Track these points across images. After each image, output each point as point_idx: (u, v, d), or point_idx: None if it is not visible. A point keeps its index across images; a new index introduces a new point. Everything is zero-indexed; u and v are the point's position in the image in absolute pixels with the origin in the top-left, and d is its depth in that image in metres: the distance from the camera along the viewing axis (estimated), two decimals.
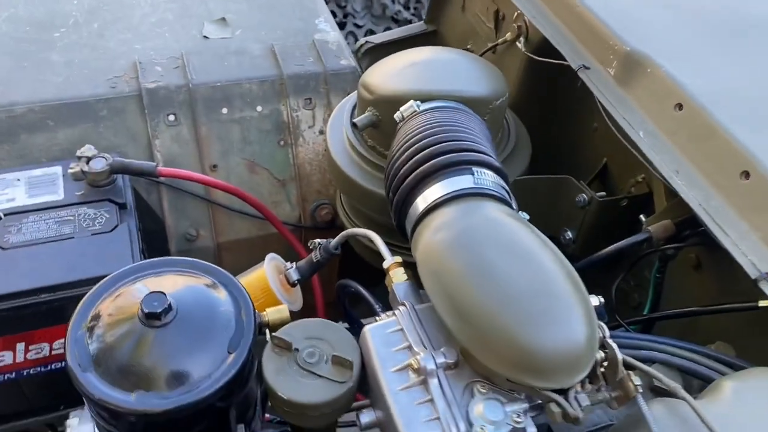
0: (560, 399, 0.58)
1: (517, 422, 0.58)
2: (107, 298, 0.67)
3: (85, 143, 1.08)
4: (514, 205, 0.74)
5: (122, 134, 1.17)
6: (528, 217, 0.76)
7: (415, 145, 0.77)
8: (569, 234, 1.06)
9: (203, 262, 0.70)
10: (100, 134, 1.15)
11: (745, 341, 0.81)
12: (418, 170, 0.74)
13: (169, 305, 0.62)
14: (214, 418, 0.65)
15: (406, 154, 0.77)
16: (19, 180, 1.05)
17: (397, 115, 0.88)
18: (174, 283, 0.66)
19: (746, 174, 0.76)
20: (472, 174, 0.71)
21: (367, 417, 0.64)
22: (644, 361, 0.69)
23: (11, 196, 1.02)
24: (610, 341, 0.63)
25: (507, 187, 0.75)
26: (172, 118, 1.19)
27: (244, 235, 1.26)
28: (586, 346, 0.59)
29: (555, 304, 0.60)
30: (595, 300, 0.67)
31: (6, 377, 0.94)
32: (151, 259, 0.71)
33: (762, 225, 0.74)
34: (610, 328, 0.65)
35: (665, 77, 0.87)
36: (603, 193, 1.01)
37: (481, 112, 0.94)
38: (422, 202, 0.72)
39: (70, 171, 1.03)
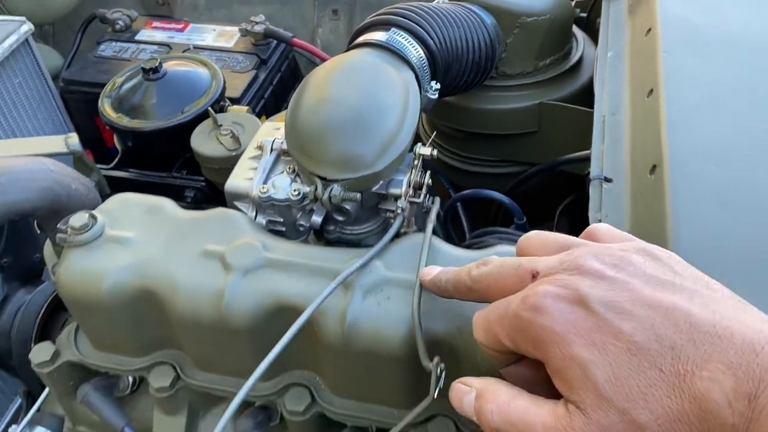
0: (318, 181, 0.72)
1: (294, 195, 0.75)
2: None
3: (272, 18, 1.45)
4: (420, 72, 0.85)
5: (297, 18, 1.52)
6: (438, 86, 0.88)
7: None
8: None
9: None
10: (283, 15, 1.52)
11: None
12: (364, 23, 0.91)
13: (155, 68, 0.93)
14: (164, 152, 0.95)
15: None
16: (214, 30, 1.48)
17: None
18: (175, 62, 0.98)
19: (650, 92, 0.75)
20: (388, 32, 0.85)
21: None
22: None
23: (204, 38, 1.46)
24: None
25: (426, 58, 0.87)
26: (334, 13, 1.49)
27: None
28: (357, 164, 0.72)
29: (358, 127, 0.73)
30: (427, 150, 0.78)
31: None
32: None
33: (637, 140, 0.73)
34: None
35: (655, 4, 0.85)
36: None
37: (508, 23, 1.03)
38: None
39: (239, 28, 1.42)
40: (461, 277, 0.50)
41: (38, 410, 0.94)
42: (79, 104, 1.36)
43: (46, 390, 0.92)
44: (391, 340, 0.63)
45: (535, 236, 0.49)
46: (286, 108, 1.14)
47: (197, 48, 1.41)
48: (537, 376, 0.43)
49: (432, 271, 0.56)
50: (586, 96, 1.14)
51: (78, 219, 0.71)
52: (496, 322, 0.43)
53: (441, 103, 1.12)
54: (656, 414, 0.36)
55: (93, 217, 0.72)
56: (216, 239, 0.71)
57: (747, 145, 0.65)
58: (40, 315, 1.01)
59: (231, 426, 0.75)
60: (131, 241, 0.71)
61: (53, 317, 1.03)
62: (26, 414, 0.94)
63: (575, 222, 1.05)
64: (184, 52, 1.40)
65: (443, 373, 0.58)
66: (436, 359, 0.59)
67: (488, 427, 0.42)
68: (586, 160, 0.91)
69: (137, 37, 1.47)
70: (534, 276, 0.43)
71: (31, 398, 1.08)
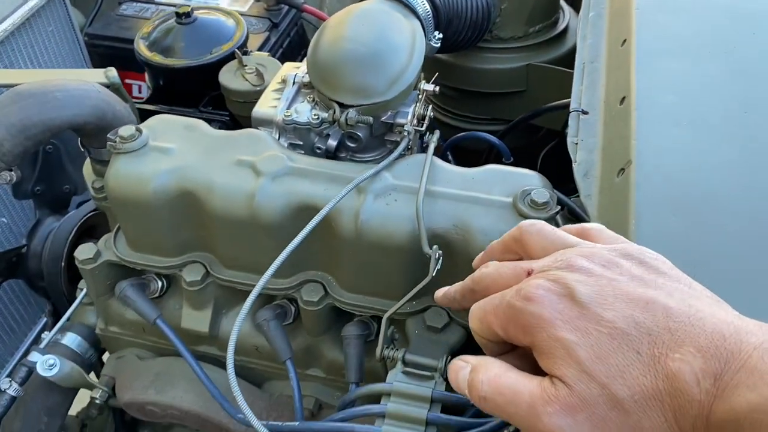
0: (336, 106, 0.84)
1: (314, 119, 0.86)
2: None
3: None
4: (425, 22, 0.97)
5: None
6: (441, 36, 0.99)
7: None
8: None
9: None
10: None
11: None
12: None
13: (188, 13, 1.04)
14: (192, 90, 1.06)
15: None
16: None
17: None
18: (204, 11, 1.09)
19: (624, 41, 0.87)
20: None
21: None
22: None
23: (219, 2, 1.56)
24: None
25: (431, 11, 0.98)
26: None
27: None
28: (370, 92, 0.84)
29: (372, 60, 0.85)
30: (430, 86, 0.90)
31: None
32: None
33: (611, 80, 0.85)
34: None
35: None
36: None
37: None
38: None
39: None
40: (465, 283, 0.54)
41: (68, 320, 1.04)
42: (101, 58, 1.46)
43: (75, 303, 1.02)
44: (398, 234, 0.74)
45: (539, 226, 0.51)
46: None
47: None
48: (524, 367, 0.46)
49: (443, 290, 0.60)
50: (570, 60, 1.25)
51: (126, 130, 0.82)
52: (491, 312, 0.46)
53: (438, 62, 1.24)
54: (633, 390, 0.39)
55: (139, 129, 0.83)
56: (247, 152, 0.82)
57: (702, 81, 0.77)
58: (69, 239, 1.11)
59: (250, 319, 0.86)
60: (172, 151, 0.82)
61: (81, 242, 1.13)
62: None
63: (556, 164, 1.16)
64: None
65: (440, 258, 0.70)
66: (435, 246, 0.71)
67: (477, 396, 0.45)
68: (567, 107, 1.03)
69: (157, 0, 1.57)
70: (529, 273, 0.47)
71: (56, 317, 1.18)
